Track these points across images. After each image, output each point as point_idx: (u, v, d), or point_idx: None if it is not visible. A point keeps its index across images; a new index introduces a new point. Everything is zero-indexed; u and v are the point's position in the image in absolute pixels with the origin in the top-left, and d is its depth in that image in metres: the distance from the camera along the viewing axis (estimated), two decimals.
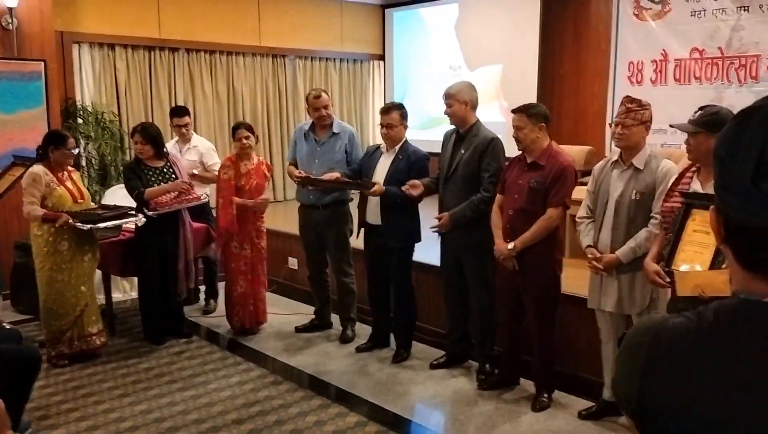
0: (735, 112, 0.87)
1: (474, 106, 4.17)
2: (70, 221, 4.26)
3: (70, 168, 4.57)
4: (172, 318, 4.99)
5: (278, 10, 8.12)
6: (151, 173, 4.75)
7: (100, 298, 5.02)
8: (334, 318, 5.20)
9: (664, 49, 6.36)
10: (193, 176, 5.27)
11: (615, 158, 3.52)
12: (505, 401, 3.98)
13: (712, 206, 0.88)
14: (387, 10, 9.19)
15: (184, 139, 5.54)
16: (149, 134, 4.75)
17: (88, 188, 5.38)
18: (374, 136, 9.11)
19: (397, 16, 9.12)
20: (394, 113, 4.41)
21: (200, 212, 5.19)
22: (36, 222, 4.32)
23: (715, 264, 2.59)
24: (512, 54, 7.70)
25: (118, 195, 5.37)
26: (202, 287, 5.77)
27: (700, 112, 2.91)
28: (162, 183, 4.74)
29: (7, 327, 4.12)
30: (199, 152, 5.57)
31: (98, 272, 4.89)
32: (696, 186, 2.95)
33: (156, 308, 4.87)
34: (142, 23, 7.07)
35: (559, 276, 3.83)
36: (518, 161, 3.86)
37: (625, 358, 0.93)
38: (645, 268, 3.12)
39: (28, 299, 5.17)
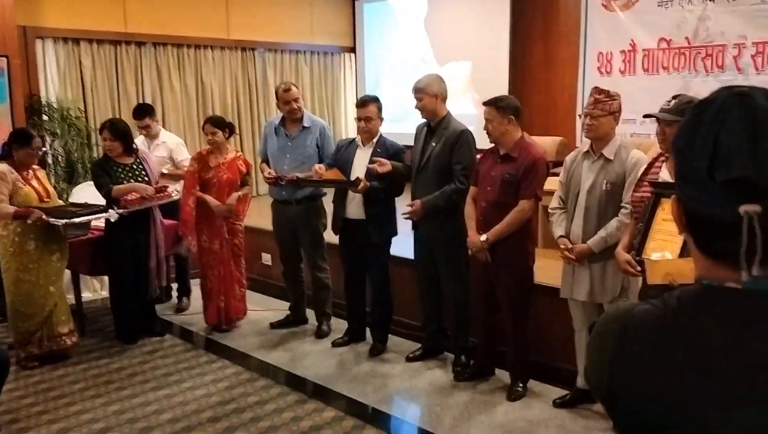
0: None
1: (444, 99, 4.16)
2: (44, 216, 4.18)
3: (35, 167, 4.48)
4: (145, 317, 4.93)
5: (247, 2, 8.03)
6: (120, 170, 4.67)
7: (70, 298, 4.93)
8: (310, 314, 5.18)
9: (632, 40, 6.42)
10: (162, 175, 5.20)
11: (586, 148, 3.55)
12: (481, 391, 4.00)
13: (673, 196, 0.90)
14: (357, 2, 9.14)
15: (150, 136, 5.45)
16: (118, 130, 4.67)
17: (55, 187, 5.29)
18: (347, 129, 9.07)
19: (368, 8, 9.08)
20: (372, 106, 4.38)
21: (171, 208, 5.11)
22: (2, 221, 4.22)
23: (684, 252, 2.62)
24: (482, 47, 7.71)
25: (86, 193, 5.28)
26: (175, 285, 5.71)
27: (674, 101, 2.93)
28: (132, 180, 4.66)
29: None
30: (168, 147, 5.49)
31: (67, 272, 4.80)
32: (665, 175, 2.98)
33: (128, 306, 4.80)
34: (107, 17, 6.93)
35: (532, 267, 3.86)
36: (491, 154, 3.87)
37: (595, 346, 0.95)
38: (616, 257, 3.15)
39: None
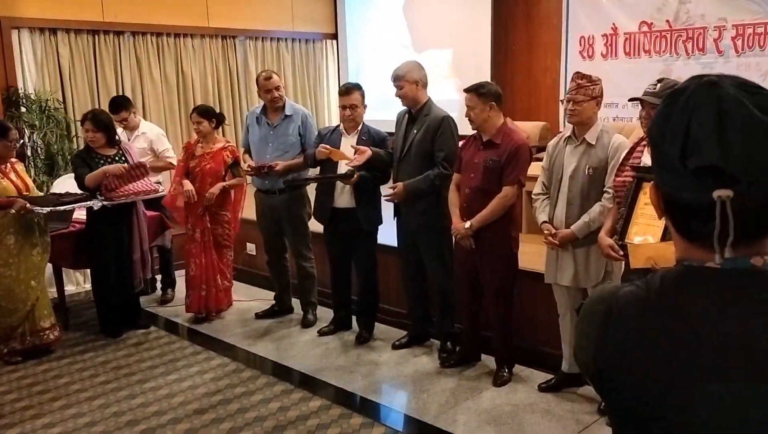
0: None
1: (424, 85, 4.15)
2: (28, 205, 4.14)
3: (13, 160, 4.41)
4: (129, 309, 4.89)
5: None
6: (102, 162, 4.61)
7: (52, 291, 4.90)
8: (295, 303, 5.17)
9: (614, 23, 6.41)
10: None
11: (568, 133, 3.55)
12: (467, 377, 4.02)
13: (652, 182, 0.93)
14: None
15: (129, 128, 5.37)
16: (100, 121, 4.61)
17: (35, 180, 5.23)
18: (330, 117, 9.01)
19: None
20: (356, 93, 4.35)
21: (153, 200, 5.07)
22: None
23: (666, 236, 2.63)
24: (464, 32, 7.65)
25: (66, 185, 5.20)
26: (159, 277, 5.67)
27: (659, 84, 2.93)
28: None
29: None
30: (148, 138, 5.42)
31: (49, 265, 4.74)
32: (647, 159, 2.98)
33: (111, 299, 4.76)
34: (84, 6, 6.81)
35: (515, 253, 3.87)
36: (474, 140, 3.86)
37: (582, 328, 0.99)
38: (599, 242, 3.17)
39: None
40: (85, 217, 4.72)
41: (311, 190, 4.72)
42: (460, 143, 4.02)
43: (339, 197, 4.38)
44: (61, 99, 6.71)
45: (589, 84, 3.36)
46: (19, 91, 6.41)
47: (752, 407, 0.81)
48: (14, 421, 3.62)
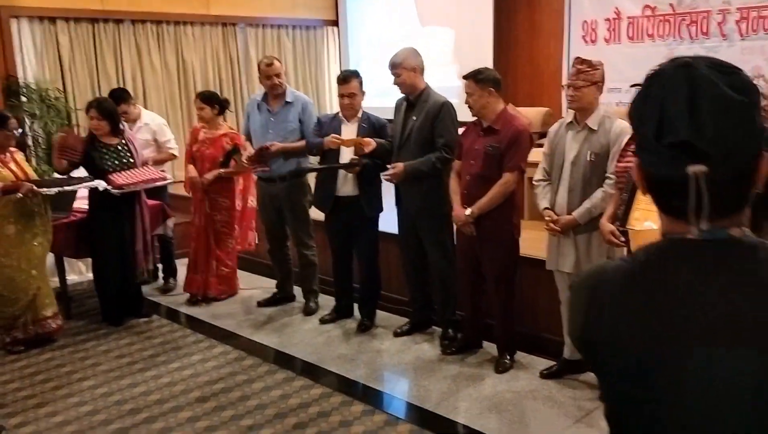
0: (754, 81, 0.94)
1: (422, 71, 4.12)
2: (34, 188, 4.15)
3: (12, 149, 4.40)
4: (131, 298, 4.89)
5: None
6: (105, 150, 4.60)
7: (54, 281, 4.90)
8: (297, 291, 5.16)
9: (616, 8, 6.35)
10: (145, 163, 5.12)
11: (570, 119, 3.52)
12: (469, 365, 4.01)
13: (635, 161, 0.97)
14: None
15: (130, 120, 5.31)
16: (105, 110, 4.60)
17: (35, 169, 5.22)
18: (331, 104, 8.96)
19: None
20: (354, 81, 4.32)
21: (154, 188, 5.05)
22: None
23: None
24: (466, 17, 7.60)
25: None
26: (160, 266, 5.66)
27: None
28: (116, 162, 4.60)
29: None
30: (151, 129, 5.40)
31: (51, 255, 4.74)
32: None
33: (113, 288, 4.76)
34: None
35: (517, 240, 3.85)
36: (474, 127, 3.84)
37: (572, 302, 1.05)
38: (600, 228, 3.15)
39: None
40: (87, 206, 4.72)
41: (311, 178, 4.71)
42: (461, 130, 4.00)
43: (342, 186, 4.36)
44: (61, 88, 6.69)
45: (589, 69, 3.33)
46: (19, 80, 6.39)
47: (738, 374, 0.84)
48: (17, 410, 3.63)
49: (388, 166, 4.13)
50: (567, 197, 3.47)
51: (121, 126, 4.72)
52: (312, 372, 4.01)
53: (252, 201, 5.19)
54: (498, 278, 3.82)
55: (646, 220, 2.78)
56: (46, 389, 3.87)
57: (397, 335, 4.44)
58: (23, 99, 6.34)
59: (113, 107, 4.70)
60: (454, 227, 4.00)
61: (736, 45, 5.56)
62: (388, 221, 4.55)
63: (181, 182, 5.45)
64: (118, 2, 7.00)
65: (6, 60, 6.33)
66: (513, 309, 3.91)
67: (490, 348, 4.10)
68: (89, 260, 5.38)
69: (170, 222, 5.22)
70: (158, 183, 4.77)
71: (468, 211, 3.73)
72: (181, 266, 5.50)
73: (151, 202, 4.95)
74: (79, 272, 5.84)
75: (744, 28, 5.56)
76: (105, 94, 6.50)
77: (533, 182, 3.73)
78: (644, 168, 0.95)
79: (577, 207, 3.41)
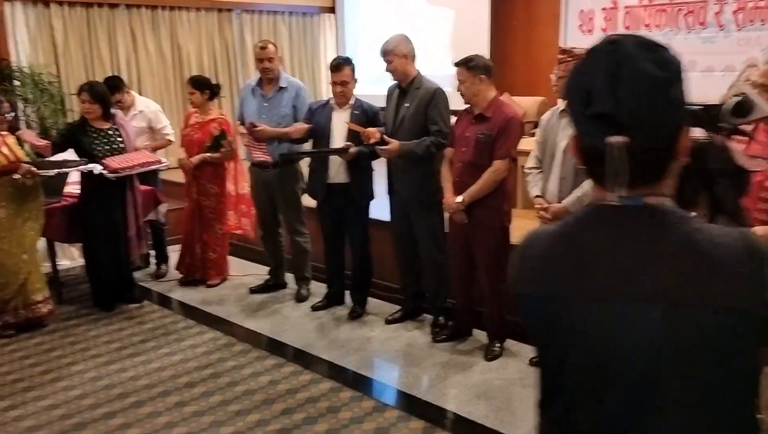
0: (681, 59, 0.99)
1: (413, 58, 4.10)
2: (33, 169, 4.14)
3: (4, 133, 4.37)
4: (122, 284, 4.88)
5: None
6: (95, 135, 4.58)
7: (46, 266, 4.89)
8: (289, 278, 5.16)
9: None
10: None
11: (562, 107, 3.50)
12: (459, 352, 4.01)
13: (573, 134, 1.03)
14: None
15: (125, 108, 5.26)
16: (97, 93, 4.57)
17: (28, 154, 5.19)
18: (328, 92, 8.90)
19: None
20: (347, 69, 4.28)
21: (146, 173, 5.02)
22: None
23: None
24: (462, 7, 7.57)
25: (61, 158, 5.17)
26: (152, 252, 5.65)
27: None
28: (107, 147, 4.58)
29: None
30: (146, 117, 5.36)
31: (42, 240, 4.73)
32: None
33: (104, 274, 4.75)
34: None
35: (508, 228, 3.84)
36: (466, 114, 3.82)
37: (511, 260, 1.13)
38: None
39: None
40: (78, 191, 4.70)
41: (304, 166, 4.69)
42: (454, 119, 3.97)
43: (333, 172, 4.34)
44: (55, 73, 6.66)
45: (570, 58, 3.33)
46: (12, 64, 6.36)
47: (640, 327, 0.93)
48: (5, 394, 3.62)
49: (385, 138, 4.06)
50: (558, 185, 3.46)
51: (112, 111, 4.69)
52: (302, 358, 4.01)
53: (244, 187, 5.16)
54: (489, 266, 3.81)
55: None
56: (35, 373, 3.87)
57: (388, 322, 4.44)
58: (16, 83, 6.31)
59: (105, 91, 4.67)
60: (446, 215, 3.98)
61: (733, 35, 5.53)
62: (381, 209, 4.53)
63: (176, 168, 5.44)
64: None
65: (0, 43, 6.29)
66: (504, 297, 3.90)
67: (481, 335, 4.10)
68: (80, 245, 5.38)
69: (162, 208, 5.21)
70: (154, 167, 4.76)
71: (459, 199, 3.72)
72: (174, 253, 5.49)
73: (143, 187, 4.93)
74: (72, 257, 5.82)
75: (741, 19, 5.54)
76: (99, 79, 6.48)
77: (525, 170, 3.71)
78: (577, 139, 1.02)
79: (568, 195, 3.40)
